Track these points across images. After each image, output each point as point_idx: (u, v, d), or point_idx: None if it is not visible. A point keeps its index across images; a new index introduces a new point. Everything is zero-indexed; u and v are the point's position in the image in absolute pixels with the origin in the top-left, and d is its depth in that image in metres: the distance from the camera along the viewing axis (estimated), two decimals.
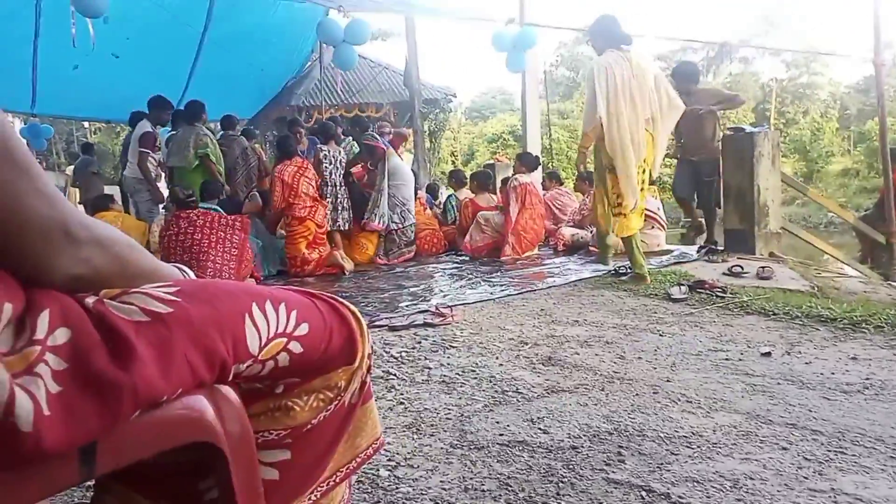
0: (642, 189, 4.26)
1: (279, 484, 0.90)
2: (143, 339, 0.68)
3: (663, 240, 5.99)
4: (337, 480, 1.00)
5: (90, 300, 0.70)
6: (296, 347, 0.85)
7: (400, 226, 6.29)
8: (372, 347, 1.03)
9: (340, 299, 0.99)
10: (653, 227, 5.95)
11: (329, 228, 5.98)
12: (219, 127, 7.29)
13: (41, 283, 0.67)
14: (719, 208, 5.76)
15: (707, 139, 5.60)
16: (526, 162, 6.65)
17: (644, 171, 4.23)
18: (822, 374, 2.49)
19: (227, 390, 0.78)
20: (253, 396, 0.87)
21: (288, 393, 0.89)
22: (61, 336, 0.64)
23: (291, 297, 0.89)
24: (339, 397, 0.94)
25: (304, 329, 0.86)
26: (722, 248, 5.46)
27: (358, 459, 1.04)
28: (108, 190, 8.17)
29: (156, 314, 0.71)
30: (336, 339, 0.92)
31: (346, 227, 6.20)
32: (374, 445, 1.07)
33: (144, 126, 6.11)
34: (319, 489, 0.96)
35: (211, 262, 4.67)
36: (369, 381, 1.04)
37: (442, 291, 4.53)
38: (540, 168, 9.72)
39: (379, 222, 6.19)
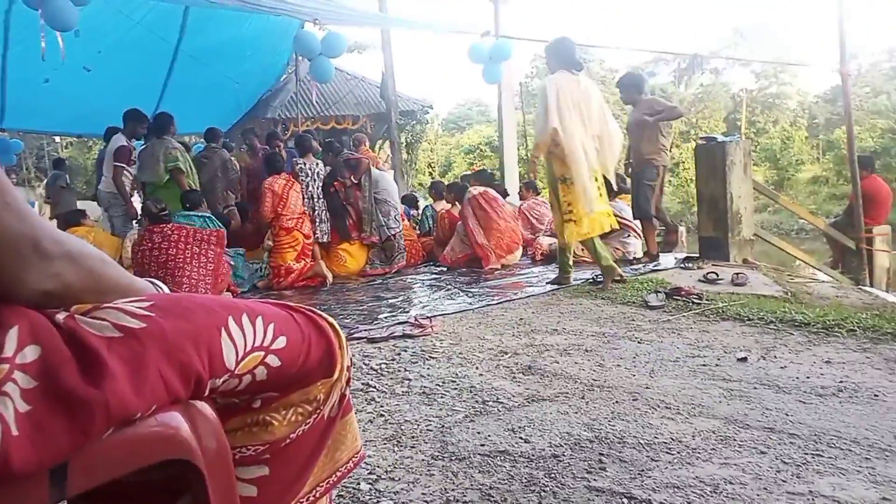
0: (601, 195, 4.48)
1: (257, 501, 0.88)
2: (115, 355, 0.67)
3: (640, 248, 6.04)
4: (317, 496, 0.99)
5: (61, 316, 0.68)
6: (273, 361, 0.84)
7: (396, 231, 6.30)
8: (351, 360, 1.02)
9: (318, 311, 0.98)
10: (629, 236, 6.01)
11: (314, 237, 6.00)
12: (194, 140, 7.24)
13: (10, 299, 0.65)
14: (657, 218, 5.70)
15: (646, 150, 5.55)
16: (479, 179, 6.78)
17: (596, 180, 4.44)
18: (797, 378, 2.52)
19: (203, 406, 0.76)
20: (230, 411, 0.86)
21: (266, 407, 0.88)
22: (31, 353, 0.62)
23: (268, 311, 0.88)
24: (317, 411, 0.93)
25: (281, 342, 0.85)
26: (696, 256, 5.53)
27: (338, 474, 1.03)
28: (80, 205, 8.04)
29: (128, 329, 0.70)
30: (314, 351, 0.91)
31: (326, 240, 6.18)
32: (354, 459, 1.06)
33: (119, 140, 6.01)
34: None
35: (186, 277, 4.60)
36: (349, 393, 1.02)
37: (421, 302, 4.52)
38: (516, 178, 9.81)
39: (376, 233, 6.21)
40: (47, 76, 7.05)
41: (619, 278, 4.52)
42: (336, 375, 0.94)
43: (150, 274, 4.42)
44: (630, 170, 5.93)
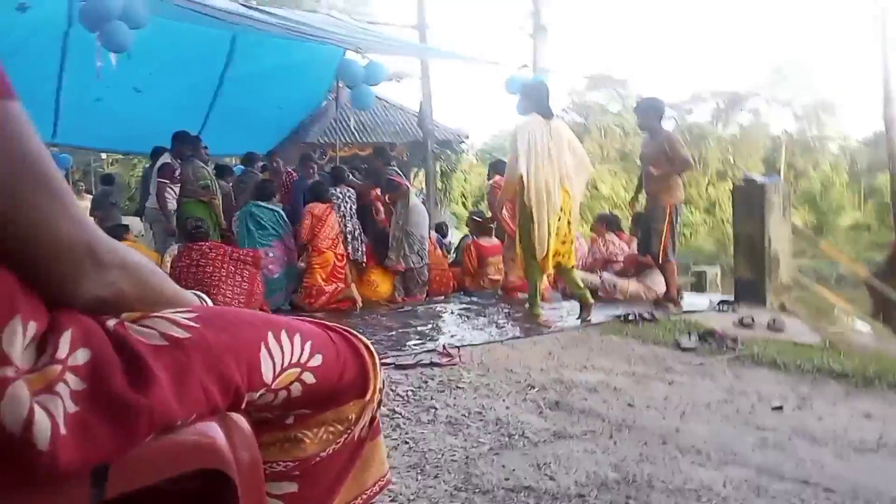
0: (558, 235, 4.67)
1: None
2: (161, 364, 0.69)
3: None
4: None
5: (111, 322, 0.70)
6: (309, 378, 0.85)
7: (419, 265, 6.29)
8: (384, 382, 1.02)
9: (354, 332, 0.99)
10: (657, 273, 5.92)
11: (347, 259, 6.07)
12: (235, 162, 7.42)
13: (65, 304, 0.68)
14: (663, 261, 5.21)
15: (653, 189, 5.26)
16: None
17: (560, 220, 4.66)
18: (834, 430, 2.44)
19: (239, 418, 0.78)
20: (263, 426, 0.87)
21: (298, 424, 0.89)
22: (81, 356, 0.64)
23: (306, 328, 0.89)
24: (348, 430, 0.93)
25: (317, 360, 0.86)
26: (732, 300, 5.42)
27: (364, 496, 1.02)
28: (124, 220, 8.27)
29: (175, 339, 0.72)
30: (349, 371, 0.92)
31: (362, 258, 6.24)
32: (380, 483, 1.06)
33: (165, 158, 6.29)
34: None
35: (221, 295, 4.69)
36: (379, 416, 1.03)
37: (449, 332, 4.50)
38: None
39: (402, 262, 6.22)
40: (99, 95, 7.32)
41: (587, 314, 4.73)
42: (369, 396, 0.94)
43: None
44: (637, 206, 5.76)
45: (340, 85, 8.46)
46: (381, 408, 1.05)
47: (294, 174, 7.10)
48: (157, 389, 0.66)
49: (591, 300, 4.78)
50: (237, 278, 4.82)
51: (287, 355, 0.83)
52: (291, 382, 0.83)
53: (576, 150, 4.80)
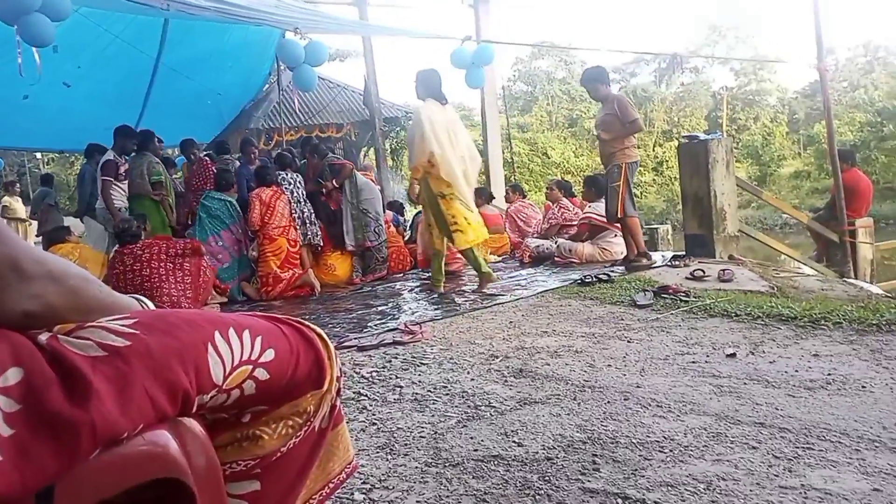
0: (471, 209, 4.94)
1: None
2: (101, 375, 0.66)
3: (624, 247, 6.07)
4: None
5: (43, 337, 0.67)
6: (262, 374, 0.83)
7: (376, 242, 6.26)
8: (341, 369, 1.01)
9: (307, 323, 0.97)
10: (615, 236, 6.04)
11: (300, 243, 5.97)
12: (177, 153, 7.20)
13: None
14: (622, 217, 5.27)
15: (608, 150, 5.35)
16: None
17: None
18: (786, 372, 2.54)
19: (192, 423, 0.76)
20: (219, 427, 0.85)
21: (255, 421, 0.87)
22: (13, 376, 0.61)
23: (256, 323, 0.87)
24: (308, 423, 0.92)
25: (269, 355, 0.85)
26: (683, 253, 5.56)
27: (331, 485, 1.02)
28: (67, 221, 7.97)
29: (113, 348, 0.69)
30: (303, 363, 0.90)
31: (317, 241, 6.16)
32: (346, 469, 1.05)
33: (108, 155, 6.09)
34: None
35: (166, 294, 4.56)
36: (339, 404, 1.02)
37: (410, 309, 4.51)
38: (501, 181, 9.83)
39: (363, 241, 6.18)
40: (26, 92, 6.98)
41: (491, 282, 4.93)
42: (326, 387, 0.93)
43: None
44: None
45: (281, 67, 8.27)
46: (346, 391, 1.05)
47: (207, 161, 6.86)
48: (98, 402, 0.64)
49: (492, 275, 5.04)
50: (178, 274, 4.68)
51: (237, 353, 0.81)
52: (244, 380, 0.81)
53: (468, 139, 5.09)
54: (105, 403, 0.64)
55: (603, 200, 6.07)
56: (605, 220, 5.75)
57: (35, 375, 0.62)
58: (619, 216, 5.32)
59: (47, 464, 0.60)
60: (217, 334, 0.80)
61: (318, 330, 0.98)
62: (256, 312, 0.94)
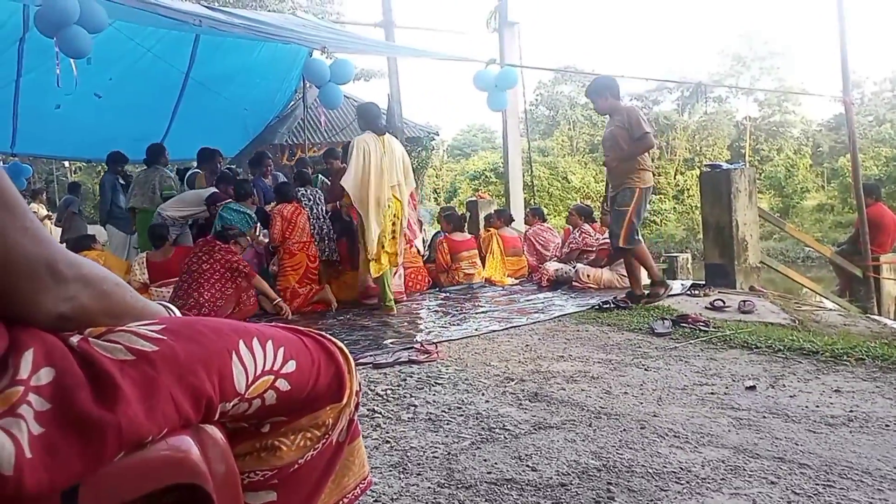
0: (394, 237, 5.24)
1: None
2: (128, 379, 0.67)
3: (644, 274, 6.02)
4: None
5: (75, 339, 0.68)
6: (283, 385, 0.84)
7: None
8: (360, 384, 1.01)
9: (328, 336, 0.98)
10: None
11: (319, 258, 6.02)
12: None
13: (25, 322, 0.66)
14: (627, 245, 4.81)
15: (621, 170, 4.85)
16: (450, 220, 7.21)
17: (394, 224, 5.24)
18: (806, 407, 2.50)
19: (213, 430, 0.76)
20: (239, 436, 0.86)
21: (274, 432, 0.88)
22: (45, 376, 0.63)
23: (278, 335, 0.88)
24: (326, 436, 0.92)
25: (291, 366, 0.85)
26: (703, 284, 5.51)
27: (345, 500, 1.02)
28: (90, 229, 8.11)
29: (141, 353, 0.70)
30: (324, 376, 0.91)
31: (335, 257, 6.19)
32: (361, 485, 1.05)
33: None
34: None
35: (201, 293, 4.85)
36: (356, 418, 1.02)
37: (426, 328, 4.50)
38: (521, 204, 9.83)
39: None
40: (59, 102, 7.15)
41: (392, 314, 5.10)
42: (345, 400, 0.94)
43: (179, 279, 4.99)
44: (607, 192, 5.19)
45: (308, 85, 8.38)
46: (360, 408, 1.05)
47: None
48: (125, 405, 0.65)
49: (394, 308, 5.22)
50: (223, 285, 4.96)
51: (259, 363, 0.81)
52: (265, 390, 0.82)
53: (407, 165, 5.43)
54: (131, 407, 0.65)
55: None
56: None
57: (66, 376, 0.63)
58: (620, 245, 4.86)
59: (74, 463, 0.61)
60: (241, 343, 0.81)
61: (339, 343, 0.98)
62: (278, 324, 0.95)
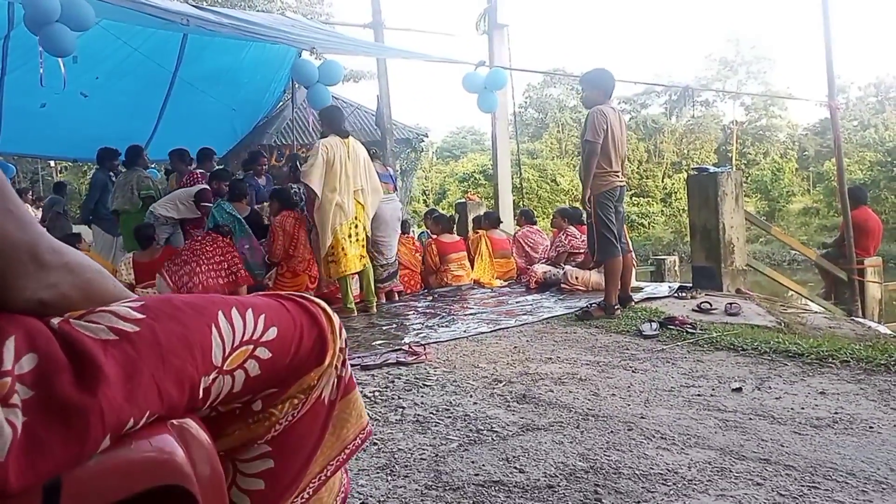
0: (358, 240, 5.22)
1: (266, 493, 0.87)
2: (111, 359, 0.66)
3: (633, 276, 6.05)
4: (328, 475, 0.98)
5: (56, 320, 0.68)
6: (263, 353, 0.83)
7: (384, 260, 6.11)
8: (346, 341, 1.00)
9: (311, 297, 0.97)
10: None
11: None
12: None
13: (5, 307, 0.65)
14: (600, 258, 4.63)
15: (582, 177, 4.65)
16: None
17: (356, 227, 5.21)
18: (792, 408, 2.52)
19: (198, 430, 0.75)
20: (232, 418, 0.85)
21: (266, 407, 0.87)
22: (27, 363, 0.62)
23: (259, 302, 0.88)
24: (309, 396, 0.92)
25: (272, 333, 0.84)
26: (690, 286, 5.54)
27: (347, 451, 1.02)
28: (75, 229, 8.03)
29: (123, 332, 0.69)
30: (307, 339, 0.90)
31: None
32: (361, 435, 1.06)
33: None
34: (311, 486, 0.94)
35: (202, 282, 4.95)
36: (347, 374, 1.02)
37: (415, 330, 4.50)
38: (510, 206, 9.85)
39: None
40: (44, 101, 7.08)
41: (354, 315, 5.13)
42: (328, 361, 0.93)
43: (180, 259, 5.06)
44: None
45: (296, 85, 8.36)
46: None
47: (198, 175, 6.81)
48: (106, 388, 0.64)
49: (355, 311, 5.22)
50: (220, 273, 5.08)
51: (238, 333, 0.81)
52: (245, 360, 0.81)
53: (370, 170, 5.36)
54: (112, 389, 0.65)
55: None
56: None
57: (48, 361, 0.63)
58: (594, 258, 4.78)
59: (58, 452, 0.60)
60: (221, 315, 0.80)
61: (322, 304, 0.98)
62: (259, 293, 0.95)
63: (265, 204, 6.37)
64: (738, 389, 2.78)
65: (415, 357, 3.46)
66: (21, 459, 0.57)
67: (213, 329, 0.78)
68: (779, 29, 60.88)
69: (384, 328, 4.61)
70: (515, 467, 1.97)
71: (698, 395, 2.73)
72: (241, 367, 0.81)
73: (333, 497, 1.01)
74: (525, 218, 7.93)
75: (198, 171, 6.68)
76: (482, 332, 4.21)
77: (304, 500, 0.93)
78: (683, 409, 2.54)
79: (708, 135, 32.99)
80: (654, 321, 4.14)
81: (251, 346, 0.82)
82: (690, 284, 5.60)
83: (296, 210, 5.61)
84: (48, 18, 4.34)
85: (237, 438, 0.86)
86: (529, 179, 26.97)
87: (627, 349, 3.62)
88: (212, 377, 0.77)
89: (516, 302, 5.64)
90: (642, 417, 2.43)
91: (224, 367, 0.79)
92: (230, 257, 5.15)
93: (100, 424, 0.63)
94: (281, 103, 11.25)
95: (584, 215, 5.01)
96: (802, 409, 2.51)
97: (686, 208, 6.55)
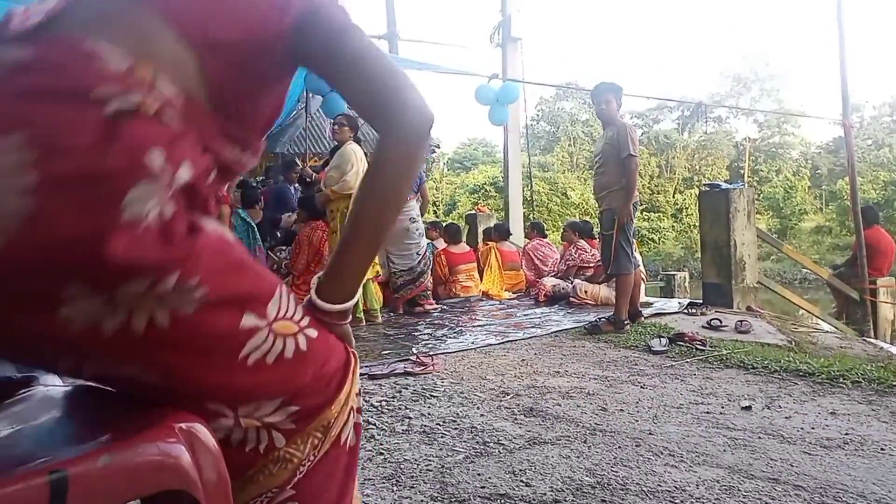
0: None
1: None
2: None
3: (642, 292, 6.03)
4: None
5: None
6: (302, 342, 0.83)
7: (399, 267, 6.03)
8: (361, 388, 1.00)
9: None
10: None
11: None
12: None
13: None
14: (615, 272, 4.62)
15: (603, 190, 4.65)
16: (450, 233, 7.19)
17: None
18: (802, 428, 2.49)
19: (206, 436, 0.75)
20: (249, 458, 0.84)
21: (289, 442, 0.85)
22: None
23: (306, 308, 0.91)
24: (328, 432, 0.90)
25: (312, 332, 0.85)
26: (701, 303, 5.51)
27: None
28: None
29: None
30: (335, 361, 0.90)
31: None
32: None
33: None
34: None
35: None
36: (361, 423, 1.01)
37: (423, 340, 4.49)
38: (520, 218, 9.85)
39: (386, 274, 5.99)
40: None
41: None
42: (344, 396, 0.91)
43: None
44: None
45: (310, 94, 8.41)
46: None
47: None
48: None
49: (363, 321, 5.16)
50: None
51: (290, 309, 0.83)
52: (287, 335, 0.82)
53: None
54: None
55: None
56: None
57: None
58: (608, 272, 4.78)
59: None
60: (281, 286, 0.84)
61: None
62: None
63: (294, 217, 6.32)
64: (748, 408, 2.75)
65: (422, 367, 3.45)
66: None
67: (278, 289, 0.83)
68: (793, 47, 60.78)
69: (392, 338, 4.61)
70: (522, 481, 1.96)
71: (707, 412, 2.70)
72: (283, 339, 0.81)
73: None
74: (535, 230, 7.92)
75: None
76: (490, 344, 4.20)
77: None
78: (692, 426, 2.52)
79: (720, 151, 32.92)
80: (663, 337, 4.12)
81: (296, 327, 0.83)
82: (700, 301, 5.57)
83: (324, 220, 5.36)
84: None
85: (262, 486, 0.84)
86: (540, 192, 26.98)
87: (636, 364, 3.60)
88: (261, 336, 0.80)
89: (525, 314, 5.62)
90: (650, 433, 2.41)
91: (273, 327, 0.80)
92: None
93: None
94: (295, 112, 11.32)
95: (596, 228, 5.05)
96: (813, 428, 2.48)
97: (697, 224, 6.52)
